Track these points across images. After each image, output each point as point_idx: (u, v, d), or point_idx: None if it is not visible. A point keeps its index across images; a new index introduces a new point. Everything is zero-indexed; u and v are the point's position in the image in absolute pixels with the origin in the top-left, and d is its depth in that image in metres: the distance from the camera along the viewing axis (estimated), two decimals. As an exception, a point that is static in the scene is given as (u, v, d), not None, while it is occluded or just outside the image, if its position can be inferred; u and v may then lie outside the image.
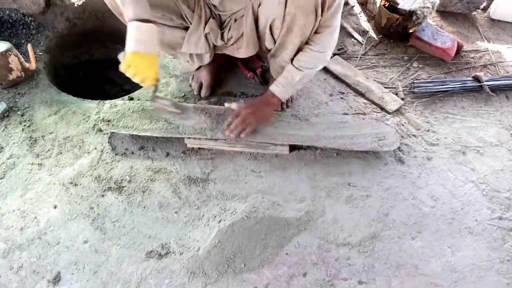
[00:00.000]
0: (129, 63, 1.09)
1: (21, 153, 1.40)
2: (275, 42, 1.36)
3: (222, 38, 1.38)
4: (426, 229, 1.31)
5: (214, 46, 1.43)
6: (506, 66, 1.93)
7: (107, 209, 1.28)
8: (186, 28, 1.41)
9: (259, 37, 1.38)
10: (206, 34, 1.35)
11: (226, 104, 1.46)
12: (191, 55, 1.46)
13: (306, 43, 1.33)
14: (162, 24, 1.36)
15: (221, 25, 1.37)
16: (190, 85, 1.66)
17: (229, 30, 1.37)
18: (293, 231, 1.27)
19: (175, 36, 1.41)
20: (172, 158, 1.43)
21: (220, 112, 1.50)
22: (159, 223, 1.27)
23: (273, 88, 1.41)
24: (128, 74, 1.11)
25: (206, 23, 1.34)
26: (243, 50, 1.41)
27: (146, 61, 1.10)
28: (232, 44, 1.41)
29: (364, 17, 2.13)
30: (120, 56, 1.10)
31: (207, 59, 1.47)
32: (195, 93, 1.63)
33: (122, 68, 1.10)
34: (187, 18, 1.35)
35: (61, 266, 1.16)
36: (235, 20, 1.34)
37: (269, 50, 1.45)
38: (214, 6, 1.32)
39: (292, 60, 1.36)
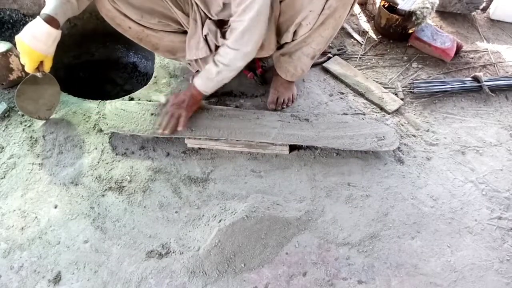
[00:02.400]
0: (16, 42, 1.21)
1: (22, 153, 1.40)
2: (292, 39, 1.34)
3: (223, 36, 1.35)
4: (426, 229, 1.32)
5: (218, 48, 1.41)
6: (505, 66, 1.93)
7: (107, 208, 1.29)
8: (185, 32, 1.41)
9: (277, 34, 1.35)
10: (205, 35, 1.35)
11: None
12: (196, 61, 1.46)
13: (224, 37, 1.31)
14: (159, 30, 1.37)
15: (221, 25, 1.36)
16: None
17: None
18: (293, 231, 1.27)
19: (174, 41, 1.41)
20: (172, 158, 1.43)
21: (222, 113, 1.50)
22: (160, 223, 1.27)
23: (195, 79, 1.38)
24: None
25: (203, 25, 1.33)
26: (258, 51, 1.36)
27: (30, 55, 1.21)
28: None
29: (364, 18, 2.13)
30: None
31: None
32: None
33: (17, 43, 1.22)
34: (183, 23, 1.35)
35: (62, 265, 1.16)
36: None
37: (280, 48, 1.43)
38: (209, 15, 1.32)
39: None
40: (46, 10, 1.17)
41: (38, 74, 1.30)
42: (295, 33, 1.35)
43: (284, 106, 1.61)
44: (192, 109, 1.43)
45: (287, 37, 1.38)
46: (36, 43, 1.18)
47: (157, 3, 1.30)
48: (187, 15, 1.33)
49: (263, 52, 1.43)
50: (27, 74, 1.59)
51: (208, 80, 1.35)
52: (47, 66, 1.28)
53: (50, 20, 1.16)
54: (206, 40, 1.37)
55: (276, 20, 1.32)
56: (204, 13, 1.32)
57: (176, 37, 1.41)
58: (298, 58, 1.44)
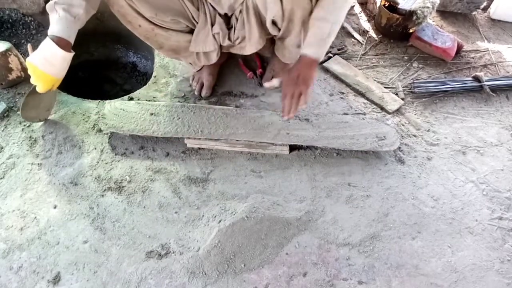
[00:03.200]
0: (28, 67, 1.19)
1: (21, 153, 1.40)
2: (279, 30, 1.36)
3: (229, 38, 1.39)
4: (426, 229, 1.31)
5: (221, 45, 1.44)
6: (506, 66, 1.93)
7: (107, 209, 1.28)
8: (191, 32, 1.41)
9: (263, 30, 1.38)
10: (214, 34, 1.37)
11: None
12: (197, 54, 1.46)
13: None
14: (168, 28, 1.36)
15: (228, 25, 1.39)
16: (190, 85, 1.66)
17: (234, 30, 1.38)
18: (293, 231, 1.27)
19: (180, 40, 1.41)
20: (172, 158, 1.43)
21: (227, 112, 1.50)
22: (159, 223, 1.27)
23: (304, 50, 1.24)
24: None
25: (212, 21, 1.35)
26: (248, 47, 1.42)
27: (44, 79, 1.19)
28: (239, 43, 1.42)
29: (364, 17, 2.13)
30: (29, 49, 1.22)
31: (214, 57, 1.47)
32: (196, 93, 1.63)
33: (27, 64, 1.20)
34: (193, 17, 1.35)
35: (61, 266, 1.16)
36: (237, 20, 1.36)
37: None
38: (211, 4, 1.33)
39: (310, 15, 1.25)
40: (55, 31, 1.14)
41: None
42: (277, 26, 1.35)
43: (278, 87, 1.63)
44: (311, 82, 1.25)
45: (273, 33, 1.38)
46: (50, 68, 1.16)
47: (171, 0, 1.29)
48: (197, 8, 1.34)
49: (247, 49, 1.43)
50: (26, 74, 1.60)
51: (321, 43, 1.22)
52: (56, 86, 1.28)
53: (64, 44, 1.14)
54: (214, 37, 1.38)
55: (258, 15, 1.33)
56: (213, 8, 1.34)
57: (183, 36, 1.41)
58: (287, 46, 1.47)
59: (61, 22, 1.13)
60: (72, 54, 1.19)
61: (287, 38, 1.42)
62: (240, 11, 1.33)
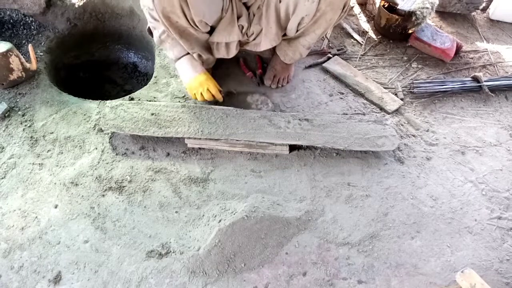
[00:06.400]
0: (191, 87, 1.49)
1: (22, 153, 1.40)
2: (296, 31, 1.43)
3: (246, 33, 1.43)
4: (426, 229, 1.32)
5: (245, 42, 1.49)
6: (505, 66, 1.93)
7: (107, 208, 1.29)
8: (210, 33, 1.42)
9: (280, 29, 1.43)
10: (239, 25, 1.39)
11: None
12: (218, 45, 1.46)
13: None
14: (197, 29, 1.35)
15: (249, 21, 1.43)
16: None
17: (250, 26, 1.41)
18: (293, 231, 1.28)
19: (199, 39, 1.42)
20: (172, 158, 1.43)
21: (227, 112, 1.50)
22: (160, 223, 1.27)
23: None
24: (199, 96, 1.52)
25: (239, 13, 1.38)
26: (263, 43, 1.46)
27: (201, 80, 1.46)
28: (253, 39, 1.46)
29: (364, 18, 2.13)
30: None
31: (234, 50, 1.49)
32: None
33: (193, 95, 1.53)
34: (223, 8, 1.34)
35: (62, 265, 1.16)
36: (254, 15, 1.39)
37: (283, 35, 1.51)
38: None
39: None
40: (177, 55, 1.46)
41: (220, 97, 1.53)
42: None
43: (280, 85, 1.68)
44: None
45: (291, 33, 1.44)
46: (200, 69, 1.43)
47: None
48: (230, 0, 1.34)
49: (262, 45, 1.47)
50: (27, 74, 1.60)
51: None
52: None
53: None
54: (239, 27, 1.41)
55: (279, 15, 1.37)
56: (241, 4, 1.36)
57: (204, 36, 1.41)
58: (295, 46, 1.52)
59: (173, 47, 1.47)
60: (190, 55, 1.49)
61: (301, 38, 1.46)
62: (259, 7, 1.36)
